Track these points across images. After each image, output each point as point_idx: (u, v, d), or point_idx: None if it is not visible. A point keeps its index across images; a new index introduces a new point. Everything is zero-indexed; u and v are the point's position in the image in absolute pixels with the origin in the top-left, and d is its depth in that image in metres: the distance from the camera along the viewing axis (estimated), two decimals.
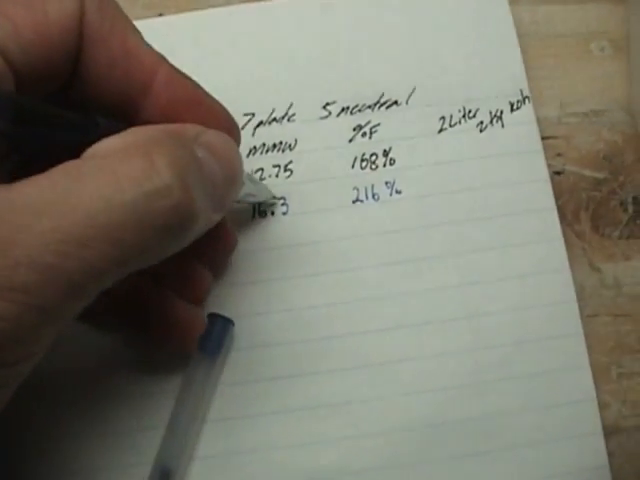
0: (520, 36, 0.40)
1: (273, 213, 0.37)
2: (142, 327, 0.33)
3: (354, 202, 0.37)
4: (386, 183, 0.37)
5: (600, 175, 0.39)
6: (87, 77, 0.28)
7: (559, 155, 0.39)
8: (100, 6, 0.27)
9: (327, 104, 0.38)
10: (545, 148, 0.38)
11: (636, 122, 0.39)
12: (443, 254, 0.36)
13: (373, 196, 0.37)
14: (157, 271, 0.30)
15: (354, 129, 0.38)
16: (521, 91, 0.38)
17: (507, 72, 0.39)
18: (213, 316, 0.35)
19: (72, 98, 0.28)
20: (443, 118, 0.38)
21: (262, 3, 0.39)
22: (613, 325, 0.37)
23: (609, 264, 0.38)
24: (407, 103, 0.38)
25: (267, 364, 0.35)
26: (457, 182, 0.37)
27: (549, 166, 0.38)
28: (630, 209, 0.38)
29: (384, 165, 0.37)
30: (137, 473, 0.34)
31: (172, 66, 0.29)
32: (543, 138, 0.39)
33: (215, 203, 0.27)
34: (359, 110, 0.38)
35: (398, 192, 0.37)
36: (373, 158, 0.37)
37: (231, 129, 0.31)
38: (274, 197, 0.37)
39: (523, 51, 0.40)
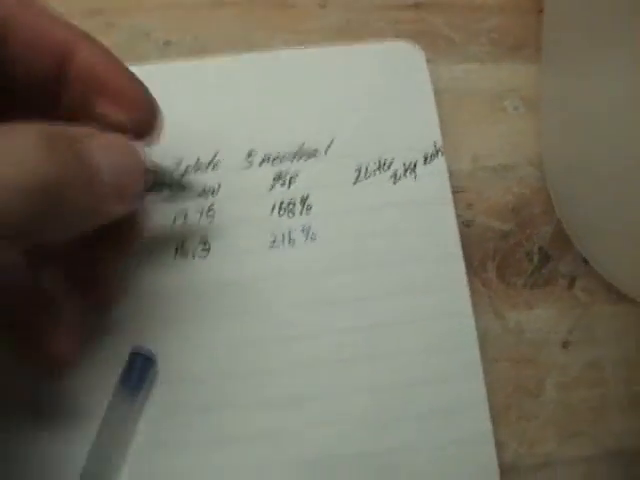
0: (438, 93, 0.42)
1: (194, 254, 0.39)
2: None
3: (271, 246, 0.39)
4: (302, 229, 0.39)
5: (508, 227, 0.41)
6: (7, 65, 0.29)
7: (469, 206, 0.41)
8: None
9: (250, 154, 0.40)
10: (457, 200, 0.40)
11: (545, 177, 0.41)
12: (352, 297, 0.39)
13: (289, 241, 0.39)
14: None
15: (274, 178, 0.40)
16: (434, 143, 0.41)
17: (422, 126, 0.41)
18: (135, 353, 0.36)
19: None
20: (359, 169, 0.40)
21: (191, 63, 0.42)
22: (514, 370, 0.39)
23: (513, 312, 0.40)
24: (326, 154, 0.41)
25: (188, 398, 0.37)
26: (369, 230, 0.40)
27: (459, 217, 0.40)
28: (535, 259, 0.40)
29: (301, 212, 0.40)
30: None
31: (93, 42, 0.30)
32: (455, 190, 0.41)
33: (113, 193, 0.28)
34: (280, 160, 0.40)
35: (313, 238, 0.39)
36: (291, 206, 0.40)
37: (147, 105, 0.32)
38: (204, 190, 0.39)
39: (440, 107, 0.42)
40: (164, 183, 0.35)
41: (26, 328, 0.32)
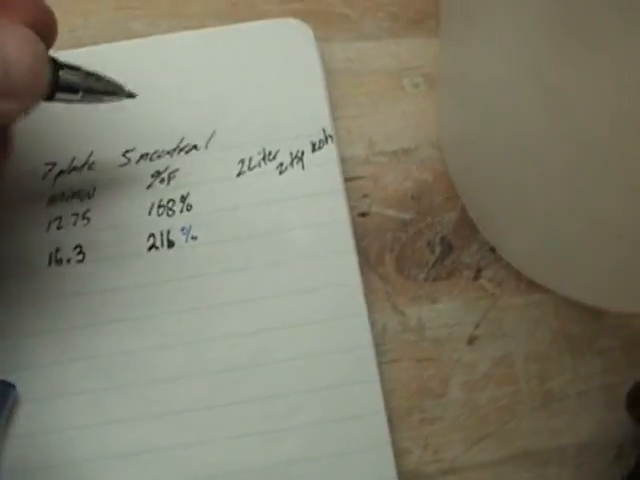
0: (332, 73, 0.39)
1: (69, 261, 0.36)
2: None
3: (149, 249, 0.37)
4: (182, 229, 0.37)
5: (407, 216, 0.38)
6: None
7: (365, 196, 0.38)
8: None
9: (127, 151, 0.38)
10: (351, 189, 0.38)
11: (445, 160, 0.38)
12: (237, 300, 0.36)
13: (169, 243, 0.36)
14: None
15: (152, 175, 0.38)
16: (324, 130, 0.38)
17: (310, 111, 0.38)
18: None
19: None
20: (242, 161, 0.38)
21: (66, 53, 0.39)
22: (416, 369, 0.36)
23: (414, 307, 0.37)
24: (207, 147, 0.38)
25: (62, 413, 0.35)
26: (254, 226, 0.37)
27: (354, 207, 0.38)
28: (437, 250, 0.38)
29: (181, 211, 0.37)
30: None
31: None
32: (349, 179, 0.38)
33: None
34: (158, 156, 0.38)
35: (194, 238, 0.37)
36: (170, 204, 0.37)
37: (44, 16, 0.30)
38: (123, 90, 0.35)
39: (334, 89, 0.39)
40: (75, 82, 0.32)
41: None
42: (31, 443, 0.35)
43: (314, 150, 0.38)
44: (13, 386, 0.35)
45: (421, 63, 0.40)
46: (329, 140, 0.38)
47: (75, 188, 0.38)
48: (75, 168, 0.38)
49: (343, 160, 0.38)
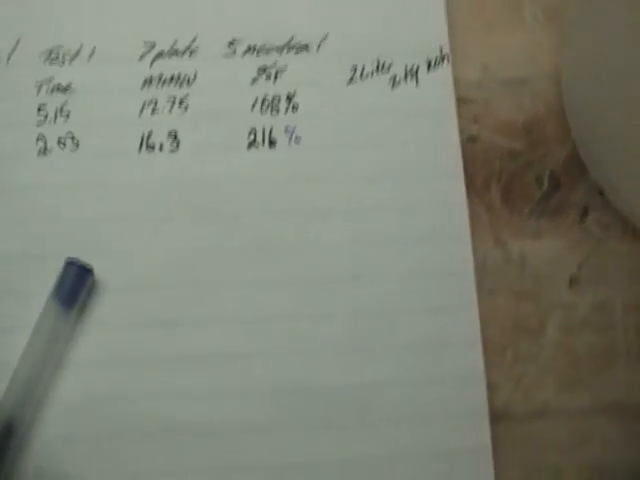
0: None
1: (162, 148, 0.34)
2: None
3: (249, 146, 0.34)
4: (286, 128, 0.35)
5: (517, 145, 0.36)
6: None
7: (475, 120, 0.36)
8: None
9: (233, 41, 0.36)
10: (461, 112, 0.36)
11: (562, 93, 0.36)
12: (335, 211, 0.34)
13: (270, 141, 0.34)
14: None
15: (258, 70, 0.35)
16: (441, 48, 0.36)
17: (429, 27, 0.37)
18: (71, 262, 0.32)
19: None
20: (355, 68, 0.36)
21: None
22: (513, 304, 0.34)
23: (517, 241, 0.35)
24: (318, 49, 0.36)
25: (136, 312, 0.33)
26: (360, 137, 0.35)
27: (463, 131, 0.36)
28: (545, 185, 0.36)
29: (286, 110, 0.35)
30: None
31: None
32: (460, 101, 0.36)
33: None
34: (266, 51, 0.36)
35: (297, 140, 0.34)
36: (275, 102, 0.35)
37: None
38: None
39: (452, 6, 0.37)
40: None
41: None
42: (98, 338, 0.32)
43: (429, 68, 0.36)
44: (90, 270, 0.32)
45: None
46: (445, 60, 0.36)
47: (174, 72, 0.35)
48: (176, 52, 0.35)
49: (455, 81, 0.36)
